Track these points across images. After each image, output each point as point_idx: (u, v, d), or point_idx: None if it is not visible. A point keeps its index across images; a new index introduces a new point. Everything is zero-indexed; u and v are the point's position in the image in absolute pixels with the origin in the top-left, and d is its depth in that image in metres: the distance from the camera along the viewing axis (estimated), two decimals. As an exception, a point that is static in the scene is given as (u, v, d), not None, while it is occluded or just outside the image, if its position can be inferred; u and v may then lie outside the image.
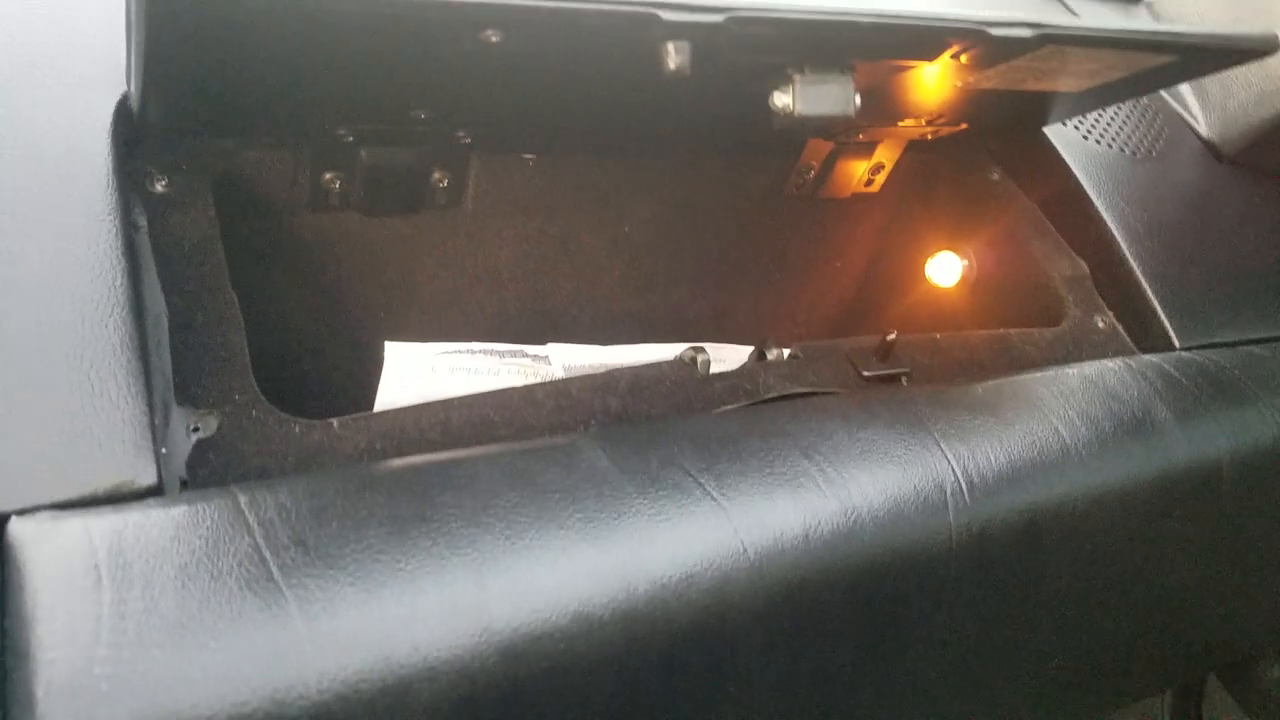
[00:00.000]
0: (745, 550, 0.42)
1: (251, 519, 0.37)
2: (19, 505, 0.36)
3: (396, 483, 0.40)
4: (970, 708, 0.53)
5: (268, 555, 0.36)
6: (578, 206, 0.63)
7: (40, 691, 0.31)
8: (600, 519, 0.41)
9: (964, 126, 0.65)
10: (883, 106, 0.58)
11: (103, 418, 0.39)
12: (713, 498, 0.43)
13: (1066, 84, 0.57)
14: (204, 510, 0.37)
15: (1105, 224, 0.66)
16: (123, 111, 0.48)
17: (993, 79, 0.53)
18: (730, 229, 0.69)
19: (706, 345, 0.54)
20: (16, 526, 0.35)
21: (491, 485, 0.41)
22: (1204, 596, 0.61)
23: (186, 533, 0.36)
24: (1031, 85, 0.56)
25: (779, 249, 0.72)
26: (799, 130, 0.52)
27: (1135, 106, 0.75)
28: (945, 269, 0.71)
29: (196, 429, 0.43)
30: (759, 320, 0.71)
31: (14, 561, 0.34)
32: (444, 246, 0.60)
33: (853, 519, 0.45)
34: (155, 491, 0.39)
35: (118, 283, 0.42)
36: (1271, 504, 0.61)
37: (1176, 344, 0.62)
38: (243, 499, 0.38)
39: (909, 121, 0.63)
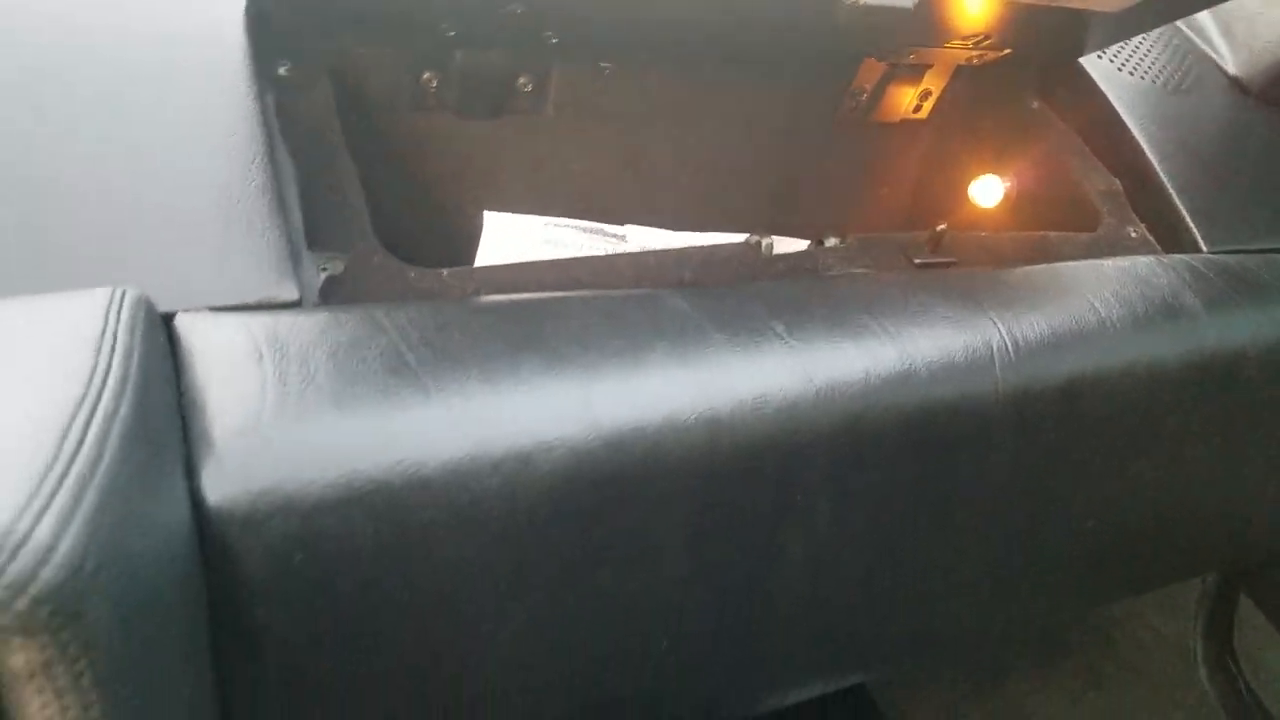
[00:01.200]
0: (811, 380, 0.47)
1: (387, 324, 0.42)
2: (184, 307, 0.42)
3: (506, 311, 0.46)
4: (1012, 562, 0.58)
5: (404, 350, 0.41)
6: (648, 118, 0.68)
7: (219, 434, 0.36)
8: (684, 346, 0.46)
9: (1007, 52, 0.70)
10: (934, 22, 0.63)
11: (250, 245, 0.45)
12: (782, 338, 0.48)
13: (1106, 2, 0.61)
14: (344, 316, 0.42)
15: (1138, 144, 0.70)
16: (252, 5, 0.53)
17: (1034, -9, 0.58)
18: (788, 149, 0.74)
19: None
20: (183, 320, 0.40)
21: (586, 319, 0.46)
22: (1230, 482, 0.65)
23: (332, 330, 0.41)
24: (1074, 2, 0.61)
25: (832, 170, 0.77)
26: (860, 28, 0.57)
27: (1166, 45, 0.79)
28: (988, 191, 0.76)
29: (325, 268, 0.48)
30: (812, 234, 0.76)
31: (184, 347, 0.39)
32: (526, 149, 0.66)
33: (908, 365, 0.50)
34: (296, 306, 0.44)
35: (257, 138, 0.48)
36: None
37: (1204, 249, 0.67)
38: (377, 312, 0.43)
39: (956, 43, 0.68)
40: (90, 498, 0.27)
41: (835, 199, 0.77)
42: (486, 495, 0.39)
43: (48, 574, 0.25)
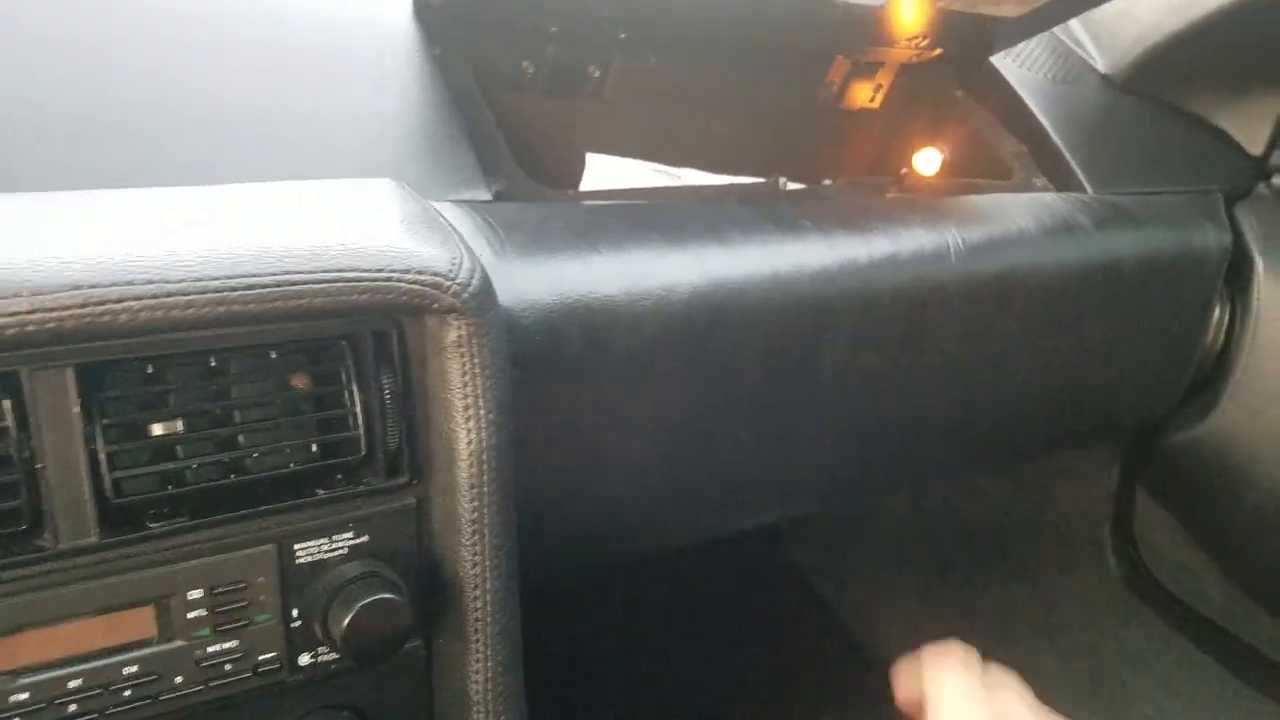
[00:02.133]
0: (834, 255, 0.68)
1: (555, 213, 0.62)
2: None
3: (627, 208, 0.66)
4: (966, 402, 0.80)
5: (573, 226, 0.61)
6: (680, 102, 0.89)
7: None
8: (749, 230, 0.67)
9: (938, 52, 0.94)
10: (889, 24, 0.86)
11: (455, 164, 0.64)
12: (810, 230, 0.69)
13: (1009, 8, 0.86)
14: (528, 207, 0.62)
15: (1036, 118, 0.95)
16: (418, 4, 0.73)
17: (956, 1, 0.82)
18: (784, 125, 0.97)
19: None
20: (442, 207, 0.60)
21: (681, 213, 0.67)
22: (1111, 356, 0.88)
23: (524, 213, 0.61)
24: (985, 8, 0.85)
25: (815, 144, 0.99)
26: (837, 25, 0.79)
27: (1051, 48, 1.04)
28: (929, 160, 0.99)
29: (495, 187, 0.68)
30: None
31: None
32: (590, 124, 0.86)
33: (895, 250, 0.72)
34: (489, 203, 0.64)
35: (444, 97, 0.68)
36: (1158, 296, 0.89)
37: (1090, 191, 0.91)
38: (544, 208, 0.63)
39: (903, 44, 0.91)
40: (476, 264, 0.46)
41: (819, 165, 0.99)
42: (642, 315, 0.59)
43: (474, 285, 0.44)
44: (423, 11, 0.72)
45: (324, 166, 0.61)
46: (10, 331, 0.34)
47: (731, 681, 1.16)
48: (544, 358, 0.56)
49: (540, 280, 0.56)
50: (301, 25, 0.68)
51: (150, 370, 0.41)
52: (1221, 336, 0.91)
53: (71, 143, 0.54)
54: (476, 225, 0.58)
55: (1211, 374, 0.92)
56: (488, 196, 0.63)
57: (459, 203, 0.61)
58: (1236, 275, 0.91)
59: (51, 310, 0.35)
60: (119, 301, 0.35)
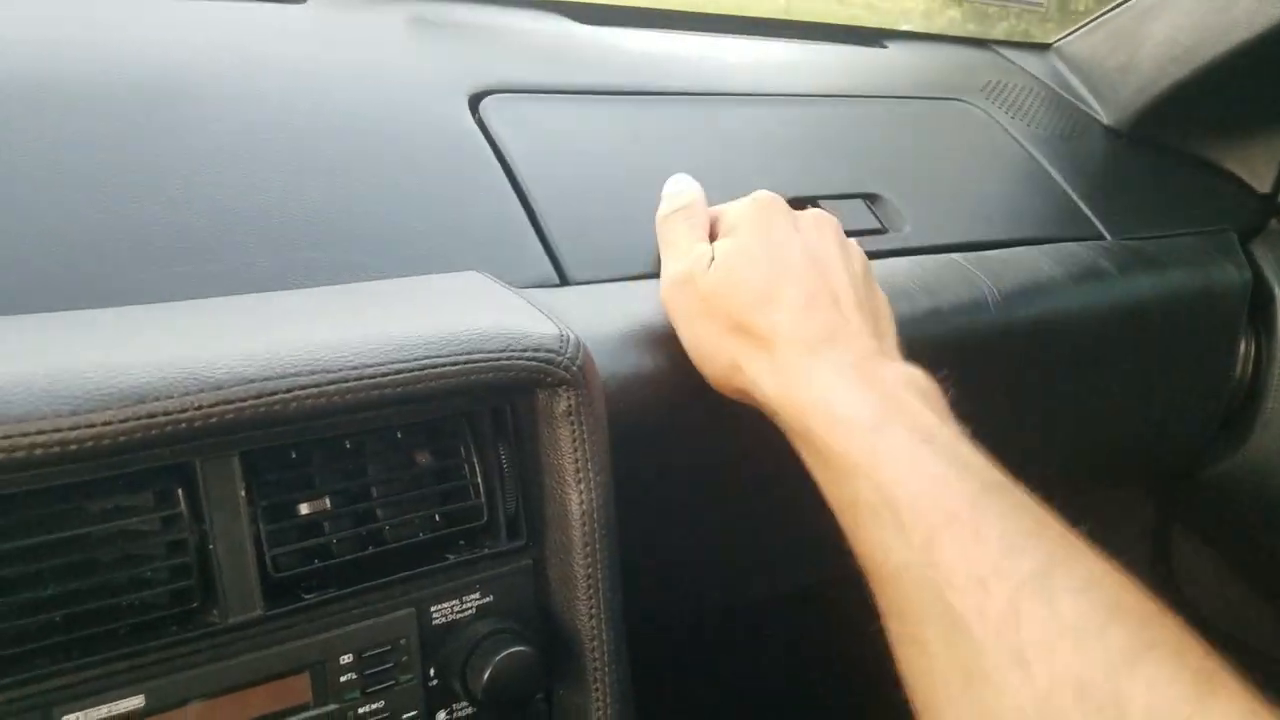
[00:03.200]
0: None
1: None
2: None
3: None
4: (1013, 445, 0.83)
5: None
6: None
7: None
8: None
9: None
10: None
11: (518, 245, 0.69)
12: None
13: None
14: (589, 289, 0.67)
15: (1047, 170, 1.00)
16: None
17: None
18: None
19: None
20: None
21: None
22: (1139, 399, 0.92)
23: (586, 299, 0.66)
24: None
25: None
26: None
27: (1055, 105, 1.10)
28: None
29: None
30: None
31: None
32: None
33: (937, 305, 0.76)
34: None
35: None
36: (1185, 334, 0.93)
37: (1109, 238, 0.95)
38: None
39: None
40: (579, 339, 0.50)
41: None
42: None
43: (580, 358, 0.48)
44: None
45: (406, 267, 0.65)
46: (197, 423, 0.38)
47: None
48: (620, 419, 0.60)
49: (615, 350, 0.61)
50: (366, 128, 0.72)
51: (295, 455, 0.45)
52: (1250, 369, 0.95)
53: (144, 257, 0.57)
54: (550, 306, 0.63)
55: (1243, 406, 0.96)
56: (556, 280, 0.68)
57: (534, 288, 0.65)
58: (1260, 309, 0.95)
59: (232, 403, 0.39)
60: (289, 392, 0.40)
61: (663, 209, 0.64)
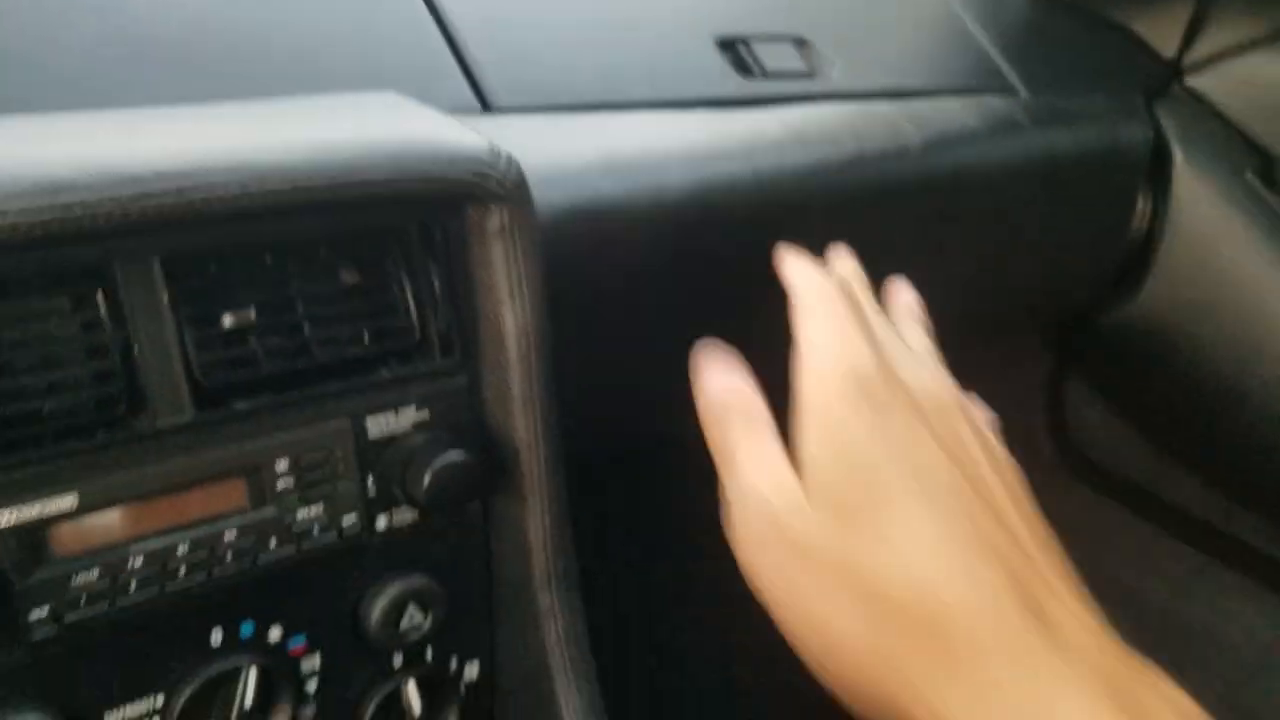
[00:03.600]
0: (804, 158, 0.73)
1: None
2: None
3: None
4: (929, 289, 0.86)
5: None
6: None
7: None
8: (736, 137, 0.71)
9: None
10: None
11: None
12: (786, 132, 0.74)
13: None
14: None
15: (971, 30, 1.01)
16: None
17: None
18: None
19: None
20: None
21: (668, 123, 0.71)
22: (1049, 242, 0.96)
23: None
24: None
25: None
26: None
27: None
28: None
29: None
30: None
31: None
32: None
33: (861, 150, 0.77)
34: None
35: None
36: (1090, 189, 0.96)
37: (1026, 94, 0.97)
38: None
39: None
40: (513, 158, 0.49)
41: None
42: (638, 214, 0.63)
43: (513, 174, 0.48)
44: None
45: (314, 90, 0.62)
46: (116, 217, 0.37)
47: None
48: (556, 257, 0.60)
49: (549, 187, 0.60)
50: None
51: (216, 268, 0.44)
52: (1145, 224, 1.00)
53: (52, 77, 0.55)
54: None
55: (1138, 259, 1.01)
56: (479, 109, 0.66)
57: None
58: (1158, 168, 0.99)
59: (151, 197, 0.37)
60: (209, 188, 0.38)
61: (705, 407, 0.45)
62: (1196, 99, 1.06)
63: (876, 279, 0.85)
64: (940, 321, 1.00)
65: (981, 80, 0.97)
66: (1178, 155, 1.00)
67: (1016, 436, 1.31)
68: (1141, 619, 1.15)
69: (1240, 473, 1.05)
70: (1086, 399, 1.24)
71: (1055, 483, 1.26)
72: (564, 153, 0.63)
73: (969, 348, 1.27)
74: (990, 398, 1.37)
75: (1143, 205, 1.00)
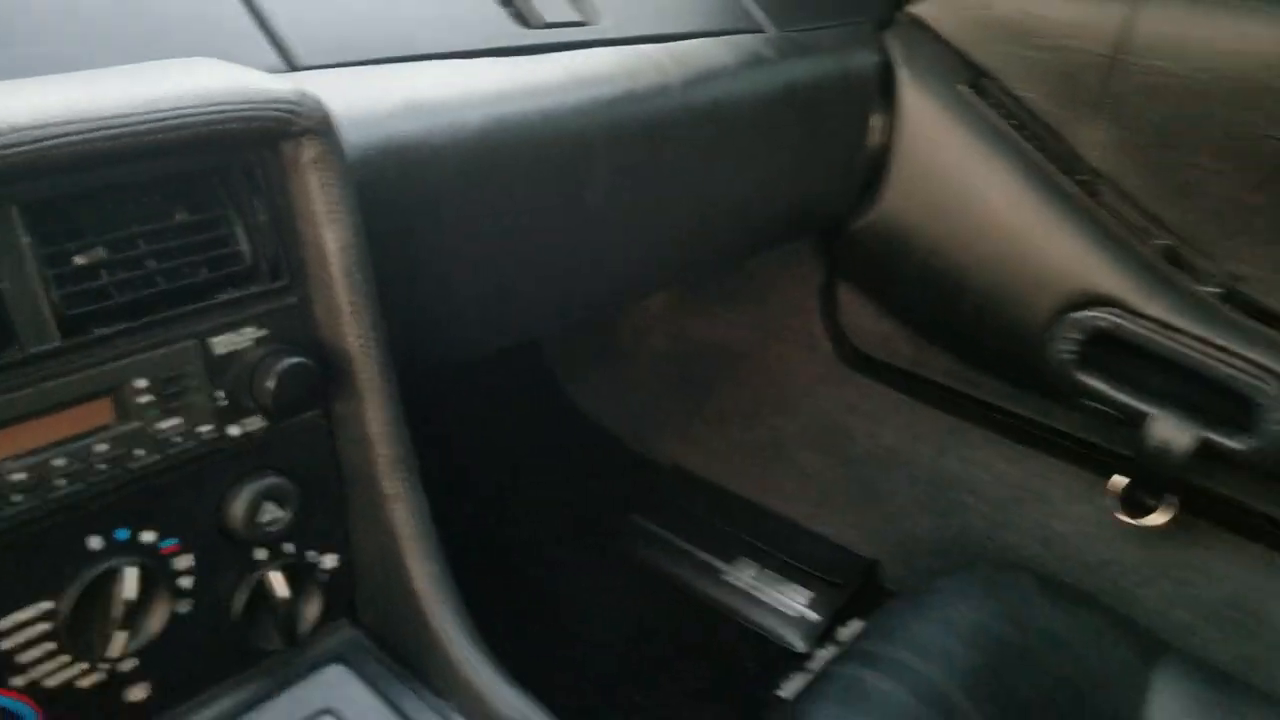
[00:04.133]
0: (585, 96, 0.83)
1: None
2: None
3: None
4: (704, 211, 0.99)
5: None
6: None
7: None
8: (521, 78, 0.80)
9: None
10: None
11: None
12: (568, 75, 0.84)
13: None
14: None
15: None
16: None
17: None
18: None
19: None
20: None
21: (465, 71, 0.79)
22: (802, 166, 1.10)
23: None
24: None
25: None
26: None
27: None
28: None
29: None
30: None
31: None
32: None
33: (634, 87, 0.88)
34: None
35: None
36: (829, 112, 1.11)
37: (774, 31, 1.11)
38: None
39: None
40: (318, 97, 0.56)
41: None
42: (440, 148, 0.71)
43: (320, 110, 0.55)
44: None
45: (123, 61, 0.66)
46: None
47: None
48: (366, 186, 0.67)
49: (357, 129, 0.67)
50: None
51: (68, 212, 0.49)
52: (881, 139, 1.16)
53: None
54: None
55: (876, 168, 1.17)
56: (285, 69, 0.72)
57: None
58: (886, 88, 1.15)
59: (7, 149, 0.43)
60: (58, 139, 0.44)
61: None
62: (919, 25, 1.23)
63: (661, 205, 0.98)
64: (727, 239, 1.14)
65: (734, 21, 1.10)
66: (903, 75, 1.17)
67: (801, 337, 1.50)
68: (913, 476, 1.35)
69: (976, 345, 1.25)
70: (856, 300, 1.42)
71: (835, 375, 1.44)
72: (368, 99, 0.70)
73: (756, 261, 1.44)
74: (776, 305, 1.55)
75: (877, 122, 1.16)
